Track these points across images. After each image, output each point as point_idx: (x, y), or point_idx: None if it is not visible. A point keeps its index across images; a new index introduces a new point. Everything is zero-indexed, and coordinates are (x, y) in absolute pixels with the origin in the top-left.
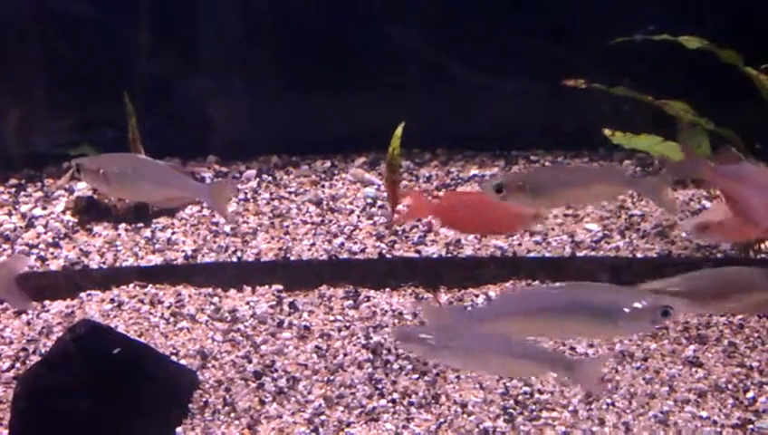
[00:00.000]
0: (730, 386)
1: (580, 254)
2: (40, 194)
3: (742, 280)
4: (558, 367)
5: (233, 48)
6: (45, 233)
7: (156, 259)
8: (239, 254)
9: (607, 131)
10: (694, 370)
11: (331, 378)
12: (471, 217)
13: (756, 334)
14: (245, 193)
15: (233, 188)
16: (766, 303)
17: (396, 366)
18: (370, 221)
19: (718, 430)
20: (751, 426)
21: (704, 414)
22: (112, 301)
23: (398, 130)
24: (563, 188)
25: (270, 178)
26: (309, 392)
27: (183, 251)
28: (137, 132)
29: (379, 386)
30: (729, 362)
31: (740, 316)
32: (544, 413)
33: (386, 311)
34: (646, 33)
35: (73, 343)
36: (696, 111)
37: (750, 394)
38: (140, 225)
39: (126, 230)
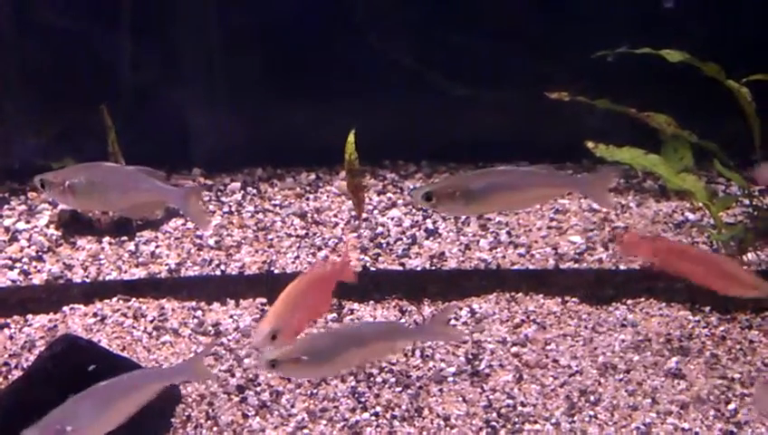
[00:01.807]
0: (712, 398)
1: (564, 266)
2: (23, 208)
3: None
4: None
5: (217, 60)
6: (29, 247)
7: (139, 273)
8: (223, 267)
9: (590, 144)
10: (676, 382)
11: (315, 391)
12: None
13: (738, 346)
14: (230, 206)
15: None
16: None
17: (379, 379)
18: (355, 234)
19: None
20: None
21: (686, 426)
22: (95, 315)
23: (351, 137)
24: (498, 192)
25: (254, 191)
26: (292, 406)
27: (167, 264)
28: (116, 146)
29: (362, 399)
30: (711, 374)
31: (722, 328)
32: (527, 426)
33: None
34: (625, 47)
35: (53, 358)
36: (679, 124)
37: (731, 406)
38: (124, 238)
39: (110, 244)
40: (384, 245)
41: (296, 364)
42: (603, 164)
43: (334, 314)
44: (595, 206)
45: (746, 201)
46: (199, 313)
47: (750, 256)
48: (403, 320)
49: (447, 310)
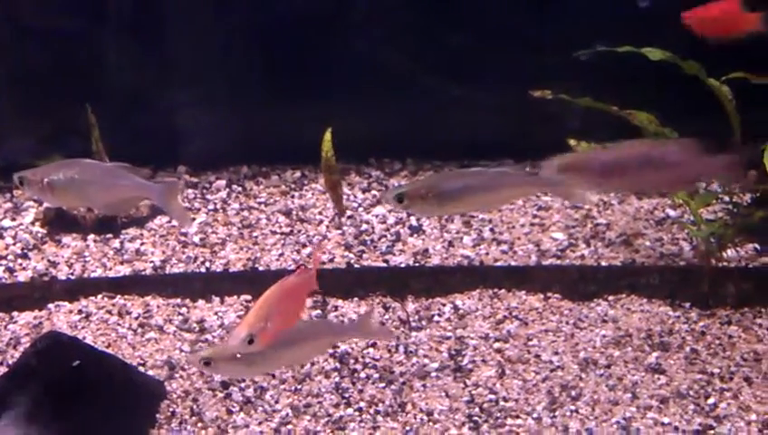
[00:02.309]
0: (692, 392)
1: (546, 262)
2: (9, 205)
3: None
4: None
5: (203, 58)
6: (14, 244)
7: (124, 270)
8: (208, 264)
9: (572, 141)
10: (656, 376)
11: (299, 387)
12: None
13: (718, 341)
14: (215, 203)
15: (181, 189)
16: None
17: (363, 375)
18: (339, 231)
19: None
20: (711, 432)
21: (666, 420)
22: (80, 312)
23: (327, 135)
24: (469, 193)
25: (240, 189)
26: (276, 402)
27: (152, 262)
28: (100, 144)
29: (346, 395)
30: (691, 369)
31: (702, 324)
32: (509, 420)
33: (353, 320)
34: (604, 45)
35: (38, 355)
36: (660, 122)
37: (711, 400)
38: (109, 236)
39: (95, 241)
40: (368, 242)
41: (230, 362)
42: None
43: (319, 311)
44: (577, 203)
45: (726, 198)
46: (184, 309)
47: (730, 252)
48: (387, 317)
49: (372, 311)
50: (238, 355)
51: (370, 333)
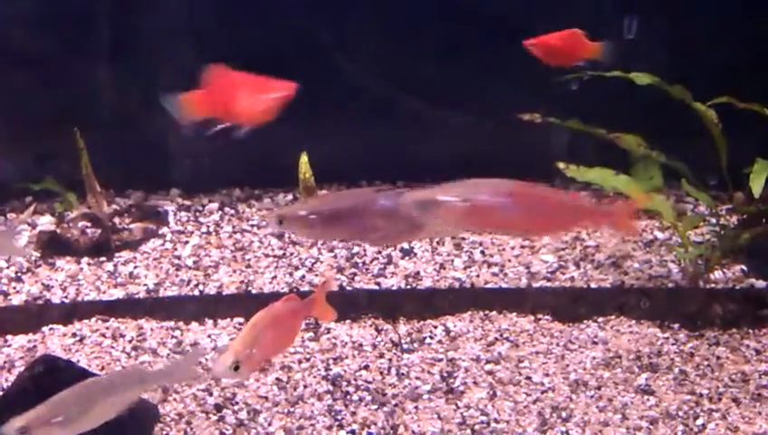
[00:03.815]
0: (680, 413)
1: (536, 284)
2: (3, 228)
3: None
4: None
5: (194, 81)
6: (8, 267)
7: (118, 293)
8: (201, 287)
9: (561, 164)
10: (646, 398)
11: (292, 410)
12: None
13: (706, 362)
14: (208, 226)
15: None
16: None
17: (355, 397)
18: (331, 253)
19: None
20: None
21: None
22: (74, 335)
23: (304, 158)
24: (347, 216)
25: (233, 212)
26: (269, 424)
27: (145, 285)
28: (89, 168)
29: (339, 417)
30: (680, 390)
31: (690, 345)
32: None
33: (346, 342)
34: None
35: (32, 378)
36: (648, 144)
37: (699, 421)
38: (103, 259)
39: (88, 264)
40: (360, 264)
41: (49, 428)
42: (576, 183)
43: (311, 334)
44: None
45: (714, 220)
46: (178, 332)
47: (717, 274)
48: (379, 339)
49: (196, 353)
50: (58, 419)
51: (184, 377)
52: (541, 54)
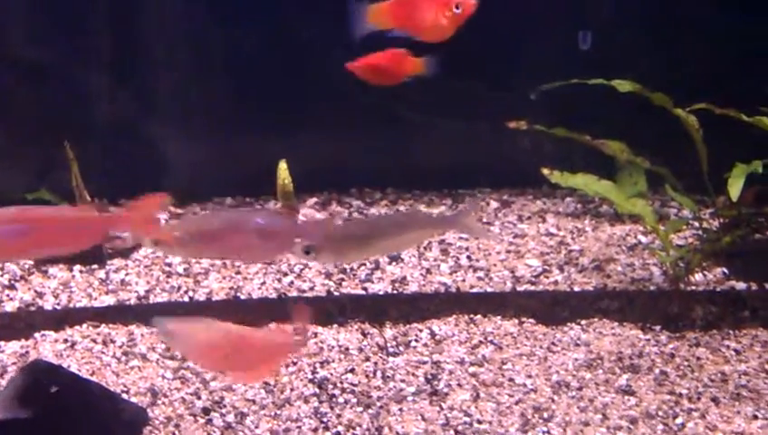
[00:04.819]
0: (660, 413)
1: (521, 288)
2: None
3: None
4: None
5: (186, 91)
6: (1, 275)
7: (109, 300)
8: (191, 293)
9: (545, 171)
10: (626, 398)
11: (278, 412)
12: None
13: (686, 363)
14: None
15: None
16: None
17: (341, 400)
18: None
19: None
20: None
21: None
22: (66, 341)
23: (283, 165)
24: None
25: None
26: (256, 427)
27: (136, 292)
28: (79, 179)
29: (325, 419)
30: (660, 390)
31: (671, 346)
32: None
33: (333, 346)
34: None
35: (24, 382)
36: (633, 151)
37: (679, 420)
38: (95, 266)
39: (80, 272)
40: (348, 270)
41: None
42: (562, 188)
43: (299, 337)
44: (552, 230)
45: (697, 224)
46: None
47: (698, 276)
48: (365, 343)
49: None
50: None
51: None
52: (366, 76)
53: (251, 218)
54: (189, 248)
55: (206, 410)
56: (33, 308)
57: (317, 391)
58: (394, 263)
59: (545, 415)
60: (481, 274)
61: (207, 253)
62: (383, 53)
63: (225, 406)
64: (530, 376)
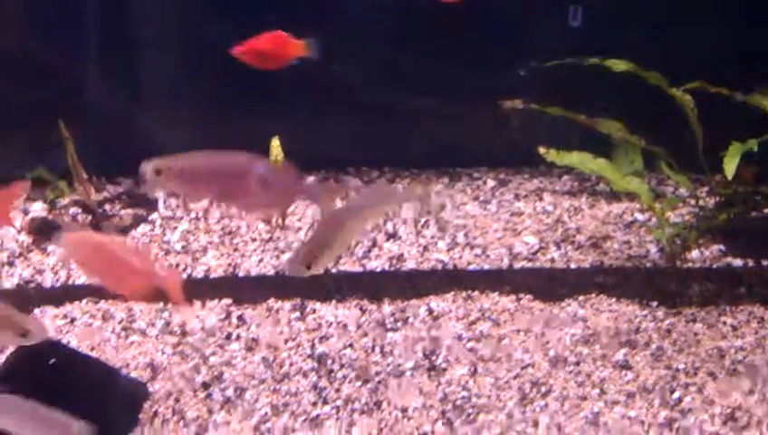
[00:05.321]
0: (657, 387)
1: (518, 265)
2: None
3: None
4: None
5: (182, 72)
6: (1, 252)
7: None
8: (189, 270)
9: (542, 149)
10: (623, 372)
11: (278, 387)
12: None
13: (683, 338)
14: (197, 212)
15: None
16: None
17: (340, 375)
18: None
19: (646, 428)
20: (677, 424)
21: (632, 414)
22: (65, 317)
23: (275, 142)
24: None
25: None
26: (256, 401)
27: None
28: (75, 157)
29: (324, 394)
30: (657, 365)
31: (668, 322)
32: (481, 416)
33: (331, 322)
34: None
35: (23, 357)
36: (629, 129)
37: (676, 395)
38: None
39: None
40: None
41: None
42: (559, 167)
43: (297, 313)
44: (549, 208)
45: (693, 202)
46: (166, 314)
47: (695, 253)
48: (363, 319)
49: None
50: None
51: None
52: (251, 60)
53: (256, 164)
54: (187, 185)
55: (205, 385)
56: (32, 285)
57: (316, 365)
58: (391, 240)
59: (543, 390)
60: (478, 251)
61: (203, 193)
62: (264, 37)
63: (224, 381)
64: (527, 351)
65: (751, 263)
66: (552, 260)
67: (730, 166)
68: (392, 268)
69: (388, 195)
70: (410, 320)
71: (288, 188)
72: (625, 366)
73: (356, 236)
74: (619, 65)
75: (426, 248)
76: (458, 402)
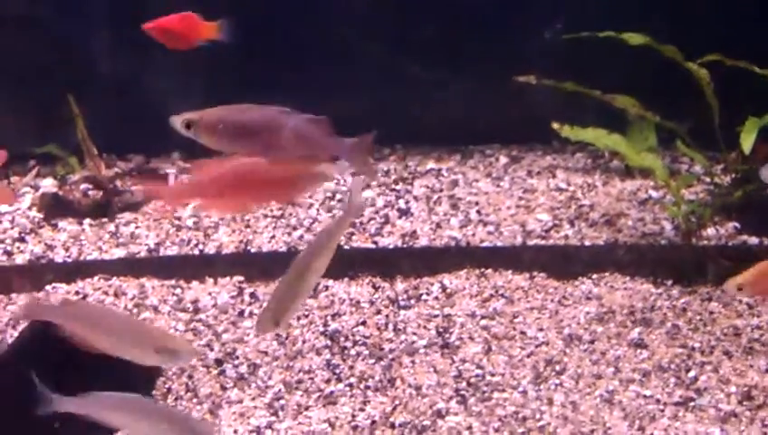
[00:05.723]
0: (672, 366)
1: (531, 243)
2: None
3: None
4: None
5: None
6: (12, 228)
7: (119, 253)
8: (201, 247)
9: (555, 125)
10: (638, 351)
11: (291, 364)
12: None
13: (699, 317)
14: None
15: None
16: None
17: (353, 352)
18: (330, 214)
19: (661, 407)
20: (692, 403)
21: (647, 393)
22: (77, 293)
23: None
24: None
25: None
26: (269, 378)
27: (146, 245)
28: (85, 132)
29: (337, 371)
30: (672, 344)
31: (683, 300)
32: (495, 394)
33: (344, 299)
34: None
35: (34, 334)
36: (643, 105)
37: (691, 373)
38: (105, 220)
39: (90, 225)
40: (358, 224)
41: None
42: (573, 144)
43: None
44: (562, 185)
45: (708, 179)
46: (178, 290)
47: (710, 230)
48: (376, 296)
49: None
50: None
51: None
52: (159, 38)
53: (288, 117)
54: (218, 138)
55: (218, 362)
56: (44, 261)
57: (329, 343)
58: (404, 217)
59: (557, 368)
60: (491, 228)
61: (235, 146)
62: (174, 17)
63: (237, 357)
64: (541, 329)
65: (766, 241)
66: (566, 237)
67: (747, 141)
68: (405, 245)
69: (338, 222)
70: (423, 297)
71: (320, 141)
72: (640, 345)
73: (319, 276)
74: (635, 39)
75: (438, 225)
76: (472, 380)
